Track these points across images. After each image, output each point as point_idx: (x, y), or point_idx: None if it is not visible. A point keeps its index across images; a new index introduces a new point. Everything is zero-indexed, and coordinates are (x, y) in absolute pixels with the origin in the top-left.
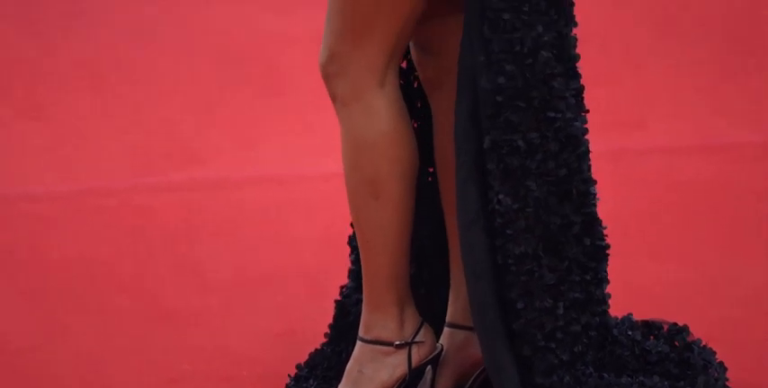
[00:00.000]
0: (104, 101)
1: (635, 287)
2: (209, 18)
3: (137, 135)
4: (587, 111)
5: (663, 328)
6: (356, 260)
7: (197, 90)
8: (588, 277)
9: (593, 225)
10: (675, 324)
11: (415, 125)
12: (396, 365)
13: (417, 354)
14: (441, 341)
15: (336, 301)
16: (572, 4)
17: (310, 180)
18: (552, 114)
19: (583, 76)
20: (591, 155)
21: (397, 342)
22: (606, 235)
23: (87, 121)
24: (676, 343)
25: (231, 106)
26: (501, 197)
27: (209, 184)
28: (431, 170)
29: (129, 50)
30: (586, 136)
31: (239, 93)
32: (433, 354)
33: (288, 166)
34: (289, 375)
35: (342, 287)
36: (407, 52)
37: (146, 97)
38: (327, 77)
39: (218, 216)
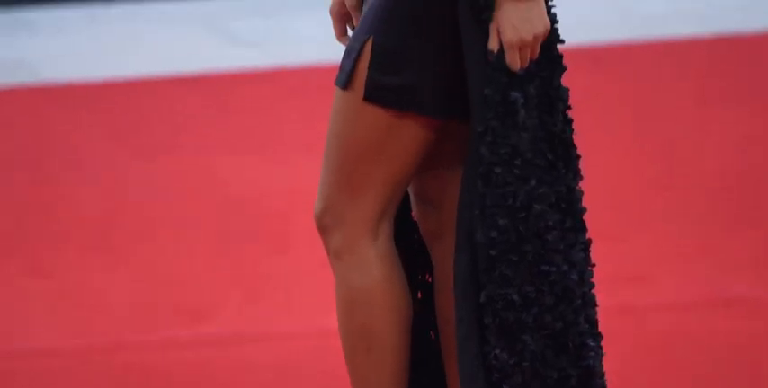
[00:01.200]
0: (109, 257)
1: None
2: (212, 170)
3: (142, 291)
4: (594, 265)
5: None
6: None
7: (202, 244)
8: None
9: (591, 378)
10: None
11: (420, 296)
12: None
13: None
14: None
15: None
16: (579, 158)
17: (317, 337)
18: (546, 267)
19: (589, 230)
20: (596, 309)
21: None
22: None
23: (92, 277)
24: None
25: (236, 260)
26: (497, 352)
27: (217, 340)
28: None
29: (134, 204)
30: (593, 290)
31: (245, 247)
32: None
33: (294, 322)
34: None
35: None
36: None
37: (151, 252)
38: (322, 229)
39: (226, 373)
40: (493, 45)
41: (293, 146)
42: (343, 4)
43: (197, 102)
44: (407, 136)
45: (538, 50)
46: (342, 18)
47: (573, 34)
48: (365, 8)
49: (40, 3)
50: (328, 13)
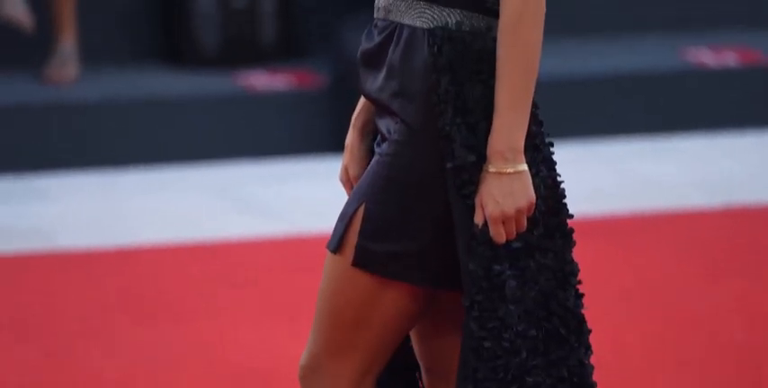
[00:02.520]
0: None
1: None
2: (234, 343)
3: None
4: None
5: None
6: None
7: None
8: None
9: None
10: None
11: None
12: None
13: None
14: None
15: None
16: (590, 332)
17: None
18: None
19: None
20: None
21: None
22: None
23: None
24: None
25: None
26: None
27: None
28: None
29: (148, 373)
30: None
31: None
32: None
33: None
34: None
35: None
36: None
37: None
38: (304, 381)
39: None
40: (478, 219)
41: (309, 316)
42: (347, 175)
43: (209, 269)
44: (393, 303)
45: (524, 223)
46: (350, 184)
47: (583, 205)
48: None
49: (54, 170)
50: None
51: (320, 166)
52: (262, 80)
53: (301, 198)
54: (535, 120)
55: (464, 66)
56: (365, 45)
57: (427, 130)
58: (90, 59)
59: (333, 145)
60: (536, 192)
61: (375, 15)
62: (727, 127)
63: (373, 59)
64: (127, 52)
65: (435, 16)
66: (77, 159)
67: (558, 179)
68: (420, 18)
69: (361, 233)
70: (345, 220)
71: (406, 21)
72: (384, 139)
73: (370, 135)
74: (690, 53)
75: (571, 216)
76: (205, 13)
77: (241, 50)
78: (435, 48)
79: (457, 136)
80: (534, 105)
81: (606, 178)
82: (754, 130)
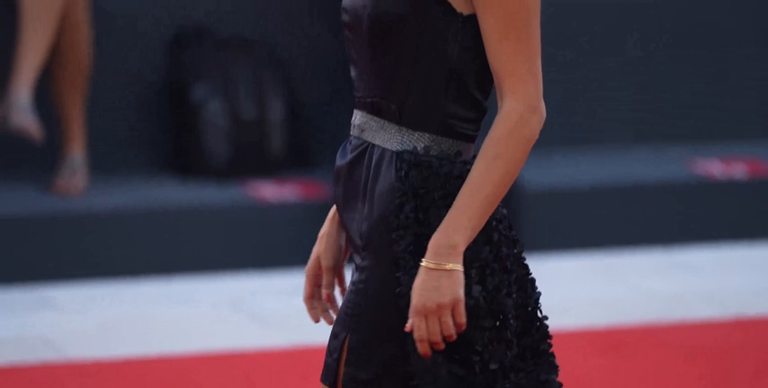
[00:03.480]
0: None
1: None
2: None
3: None
4: None
5: None
6: None
7: None
8: None
9: None
10: None
11: None
12: None
13: None
14: None
15: None
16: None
17: None
18: None
19: None
20: None
21: None
22: None
23: None
24: None
25: None
26: None
27: None
28: None
29: None
30: None
31: None
32: None
33: None
34: None
35: None
36: None
37: None
38: None
39: None
40: (407, 325)
41: None
42: (318, 266)
43: (220, 381)
44: None
45: (450, 325)
46: (314, 280)
47: (589, 317)
48: (349, 286)
49: (62, 280)
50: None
51: None
52: (271, 191)
53: None
54: (507, 242)
55: (429, 191)
56: (339, 161)
57: (389, 256)
58: (99, 169)
59: None
60: (507, 313)
61: (351, 132)
62: (736, 239)
63: (345, 177)
64: (136, 163)
65: (405, 139)
66: (86, 269)
67: (532, 299)
68: (390, 140)
69: (347, 362)
70: (335, 355)
71: (378, 141)
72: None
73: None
74: (699, 164)
75: (548, 337)
76: (214, 123)
77: (250, 161)
78: (402, 172)
79: (409, 262)
80: (509, 227)
81: (612, 290)
82: (762, 243)
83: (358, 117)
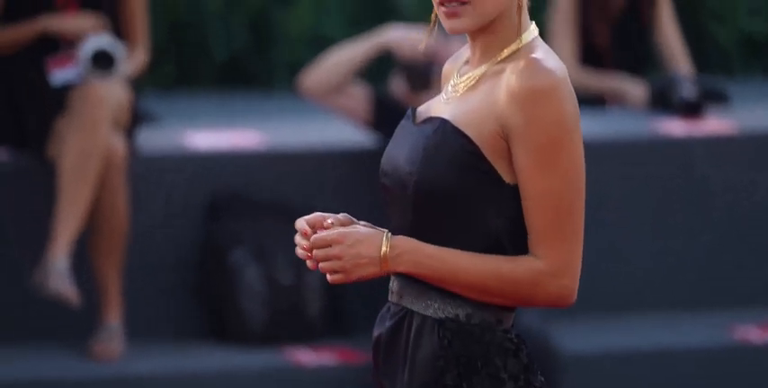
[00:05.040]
0: None
1: None
2: None
3: None
4: None
5: None
6: None
7: None
8: None
9: None
10: None
11: None
12: None
13: None
14: None
15: None
16: None
17: None
18: None
19: None
20: None
21: None
22: None
23: None
24: None
25: None
26: None
27: None
28: None
29: None
30: None
31: None
32: None
33: None
34: None
35: None
36: None
37: None
38: None
39: None
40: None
41: None
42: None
43: None
44: None
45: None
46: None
47: None
48: None
49: None
50: None
51: None
52: (308, 356)
53: None
54: (519, 365)
55: (472, 360)
56: (378, 328)
57: None
58: (136, 333)
59: None
60: None
61: (389, 298)
62: None
63: (385, 344)
64: (173, 327)
65: (446, 307)
66: None
67: None
68: (431, 307)
69: None
70: None
71: (417, 308)
72: None
73: None
74: (737, 330)
75: None
76: (251, 289)
77: (287, 326)
78: (445, 340)
79: None
80: (525, 352)
81: None
82: None
83: (396, 282)
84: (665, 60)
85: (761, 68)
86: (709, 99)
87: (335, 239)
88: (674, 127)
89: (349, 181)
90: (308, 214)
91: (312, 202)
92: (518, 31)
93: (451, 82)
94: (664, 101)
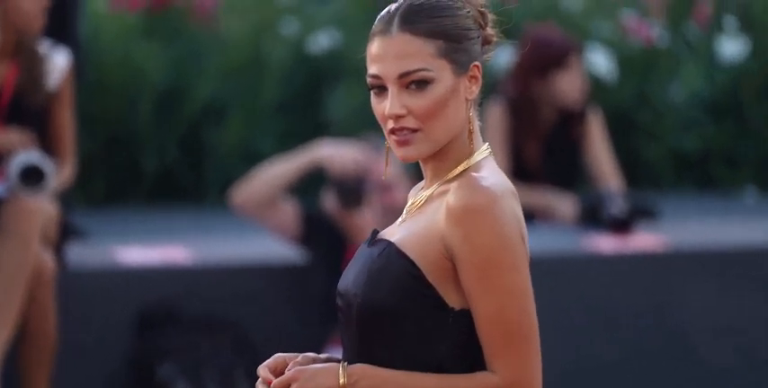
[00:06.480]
0: None
1: None
2: None
3: None
4: None
5: None
6: None
7: None
8: None
9: None
10: None
11: None
12: None
13: None
14: None
15: None
16: None
17: None
18: None
19: None
20: None
21: None
22: None
23: None
24: None
25: None
26: None
27: None
28: None
29: None
30: None
31: None
32: None
33: None
34: None
35: None
36: None
37: None
38: None
39: None
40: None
41: None
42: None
43: None
44: None
45: None
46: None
47: None
48: None
49: None
50: None
51: None
52: None
53: None
54: None
55: None
56: None
57: None
58: None
59: None
60: None
61: None
62: None
63: None
64: None
65: None
66: None
67: None
68: None
69: None
70: None
71: None
72: None
73: None
74: None
75: None
76: None
77: None
78: None
79: None
80: None
81: None
82: None
83: None
84: (595, 177)
85: (691, 183)
86: (638, 215)
87: (292, 377)
88: (603, 242)
89: (278, 296)
90: (236, 329)
91: (241, 317)
92: (469, 153)
93: (408, 203)
94: (593, 216)
